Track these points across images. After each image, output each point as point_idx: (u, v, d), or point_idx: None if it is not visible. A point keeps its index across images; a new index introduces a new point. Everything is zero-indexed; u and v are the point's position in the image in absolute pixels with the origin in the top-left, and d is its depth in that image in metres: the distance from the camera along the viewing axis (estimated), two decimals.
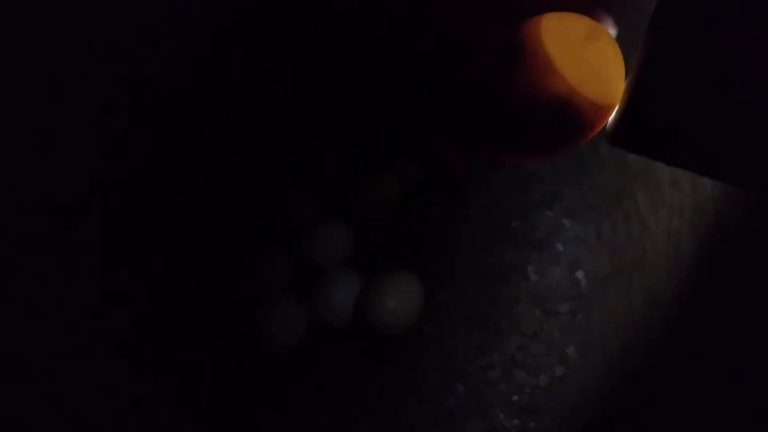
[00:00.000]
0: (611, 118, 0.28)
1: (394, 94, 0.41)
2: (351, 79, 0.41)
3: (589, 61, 0.29)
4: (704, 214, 0.38)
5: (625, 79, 0.28)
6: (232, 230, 0.41)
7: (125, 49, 0.39)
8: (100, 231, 0.39)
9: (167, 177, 0.40)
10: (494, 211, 0.42)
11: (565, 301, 0.41)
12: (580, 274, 0.41)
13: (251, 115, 0.41)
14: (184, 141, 0.40)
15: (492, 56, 0.30)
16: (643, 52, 0.25)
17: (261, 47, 0.41)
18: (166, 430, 0.38)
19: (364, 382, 0.40)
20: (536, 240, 0.42)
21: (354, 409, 0.39)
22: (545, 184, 0.43)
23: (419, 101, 0.40)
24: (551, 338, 0.41)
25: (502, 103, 0.30)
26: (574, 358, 0.40)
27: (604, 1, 0.31)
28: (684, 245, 0.39)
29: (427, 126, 0.41)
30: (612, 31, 0.30)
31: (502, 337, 0.40)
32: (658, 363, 0.39)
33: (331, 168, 0.41)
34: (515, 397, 0.40)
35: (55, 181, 0.39)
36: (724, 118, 0.23)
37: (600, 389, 0.40)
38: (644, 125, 0.26)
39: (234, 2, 0.40)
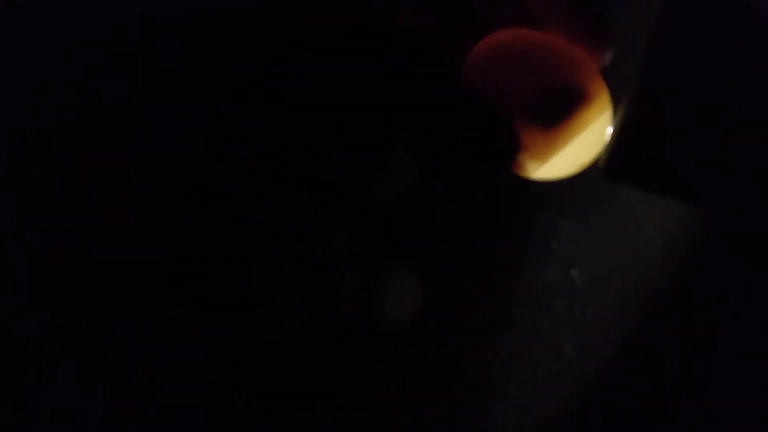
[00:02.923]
0: (604, 153, 0.28)
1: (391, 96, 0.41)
2: (351, 79, 0.41)
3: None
4: (698, 214, 0.39)
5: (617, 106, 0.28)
6: (232, 230, 0.40)
7: (122, 42, 0.39)
8: (101, 231, 0.39)
9: (167, 176, 0.40)
10: (491, 210, 0.43)
11: (560, 299, 0.42)
12: (575, 273, 0.42)
13: (251, 113, 0.41)
14: (183, 140, 0.40)
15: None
16: (633, 90, 0.25)
17: (260, 46, 0.41)
18: (167, 430, 0.38)
19: (364, 380, 0.40)
20: (531, 239, 0.43)
21: (354, 408, 0.40)
22: (540, 184, 0.43)
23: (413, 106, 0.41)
24: (547, 335, 0.41)
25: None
26: (570, 355, 0.41)
27: (598, 27, 0.29)
28: (678, 244, 0.40)
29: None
30: (607, 56, 0.29)
31: (499, 334, 0.41)
32: (653, 360, 0.39)
33: (333, 167, 0.41)
34: (512, 394, 0.40)
35: (53, 180, 0.38)
36: (717, 153, 0.24)
37: (595, 385, 0.40)
38: (637, 159, 0.26)
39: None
